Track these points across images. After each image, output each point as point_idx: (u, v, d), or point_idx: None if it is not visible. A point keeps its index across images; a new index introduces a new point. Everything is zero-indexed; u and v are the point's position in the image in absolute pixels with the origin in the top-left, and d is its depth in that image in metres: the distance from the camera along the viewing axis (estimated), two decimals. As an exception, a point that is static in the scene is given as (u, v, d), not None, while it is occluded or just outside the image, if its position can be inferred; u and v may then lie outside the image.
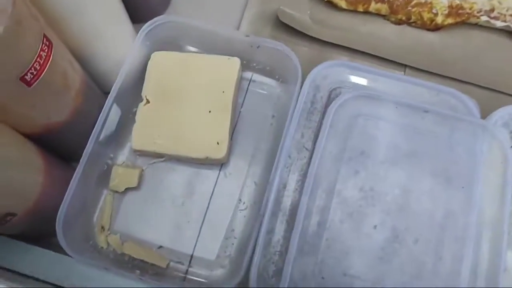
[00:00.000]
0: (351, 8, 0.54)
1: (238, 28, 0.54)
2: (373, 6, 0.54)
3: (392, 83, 0.46)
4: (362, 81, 0.47)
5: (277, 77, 0.50)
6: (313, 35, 0.53)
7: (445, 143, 0.44)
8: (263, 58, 0.49)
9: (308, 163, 0.44)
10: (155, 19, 0.48)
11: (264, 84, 0.51)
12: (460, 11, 0.53)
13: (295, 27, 0.53)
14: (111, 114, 0.44)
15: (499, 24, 0.52)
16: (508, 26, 0.52)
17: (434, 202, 0.43)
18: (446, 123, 0.44)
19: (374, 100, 0.45)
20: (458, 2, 0.53)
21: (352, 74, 0.47)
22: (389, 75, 0.47)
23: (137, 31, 0.48)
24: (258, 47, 0.48)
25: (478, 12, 0.53)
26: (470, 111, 0.45)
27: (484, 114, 0.47)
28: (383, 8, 0.54)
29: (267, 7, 0.55)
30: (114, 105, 0.45)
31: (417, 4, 0.53)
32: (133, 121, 0.46)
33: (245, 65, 0.50)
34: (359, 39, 0.53)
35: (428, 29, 0.54)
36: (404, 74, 0.52)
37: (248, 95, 0.50)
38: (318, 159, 0.42)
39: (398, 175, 0.43)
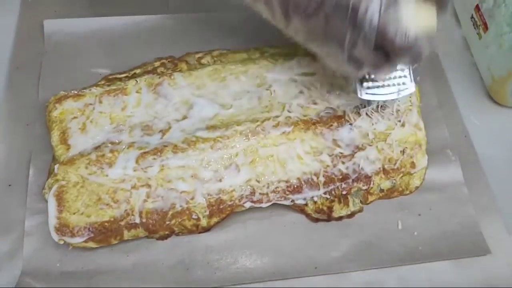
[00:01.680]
0: (103, 244, 0.46)
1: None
2: (127, 234, 0.46)
3: None
4: None
5: None
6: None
7: None
8: None
9: None
10: None
11: None
12: (221, 206, 0.47)
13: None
14: None
15: (265, 205, 0.48)
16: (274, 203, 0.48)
17: None
18: None
19: None
20: (215, 196, 0.47)
21: None
22: None
23: None
24: None
25: (239, 200, 0.47)
26: None
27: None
28: (140, 232, 0.47)
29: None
30: None
31: (174, 216, 0.47)
32: None
33: None
34: (124, 279, 0.45)
35: (200, 232, 0.48)
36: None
37: None
38: None
39: None
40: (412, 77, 0.47)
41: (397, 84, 0.47)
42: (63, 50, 0.58)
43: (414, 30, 0.38)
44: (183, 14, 0.62)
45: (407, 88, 0.47)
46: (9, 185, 0.50)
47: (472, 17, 0.61)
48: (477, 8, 0.59)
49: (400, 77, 0.47)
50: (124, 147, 0.49)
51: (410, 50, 0.39)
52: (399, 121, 0.51)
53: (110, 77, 0.56)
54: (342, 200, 0.49)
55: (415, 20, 0.38)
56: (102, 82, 0.56)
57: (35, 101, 0.55)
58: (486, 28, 0.57)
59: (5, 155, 0.52)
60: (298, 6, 0.39)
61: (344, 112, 0.51)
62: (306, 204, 0.48)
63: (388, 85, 0.47)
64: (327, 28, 0.39)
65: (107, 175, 0.48)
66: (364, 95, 0.47)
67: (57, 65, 0.58)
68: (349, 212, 0.49)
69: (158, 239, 0.47)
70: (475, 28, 0.60)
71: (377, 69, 0.41)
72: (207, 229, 0.47)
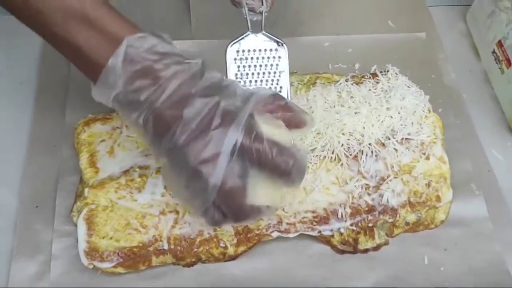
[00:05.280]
0: (131, 270, 0.46)
1: None
2: (155, 260, 0.46)
3: None
4: None
5: None
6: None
7: None
8: None
9: None
10: None
11: None
12: (249, 235, 0.47)
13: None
14: None
15: (292, 235, 0.48)
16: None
17: None
18: None
19: None
20: (243, 225, 0.47)
21: None
22: None
23: None
24: None
25: (267, 230, 0.48)
26: None
27: None
28: (167, 258, 0.47)
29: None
30: None
31: (202, 243, 0.47)
32: None
33: None
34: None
35: (226, 261, 0.48)
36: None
37: None
38: None
39: None
40: None
41: None
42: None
43: (254, 203, 0.38)
44: (205, 40, 0.63)
45: None
46: (36, 207, 0.50)
47: (493, 51, 0.62)
48: (500, 43, 0.60)
49: None
50: (152, 171, 0.49)
51: (247, 220, 0.39)
52: (424, 153, 0.52)
53: (136, 100, 0.57)
54: (367, 232, 0.49)
55: (258, 194, 0.38)
56: (128, 105, 0.56)
57: (62, 123, 0.55)
58: (509, 63, 0.58)
59: (32, 176, 0.52)
60: (152, 143, 0.38)
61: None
62: (332, 236, 0.49)
63: None
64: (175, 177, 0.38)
65: (136, 200, 0.48)
66: None
67: (83, 87, 0.58)
68: (374, 245, 0.49)
69: (184, 266, 0.47)
70: (497, 62, 0.61)
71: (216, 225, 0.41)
72: (233, 258, 0.48)
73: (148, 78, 0.36)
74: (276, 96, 0.41)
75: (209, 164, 0.36)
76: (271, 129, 0.38)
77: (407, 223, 0.50)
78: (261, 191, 0.38)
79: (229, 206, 0.38)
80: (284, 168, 0.38)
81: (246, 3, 0.49)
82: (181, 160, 0.36)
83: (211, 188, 0.36)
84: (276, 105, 0.40)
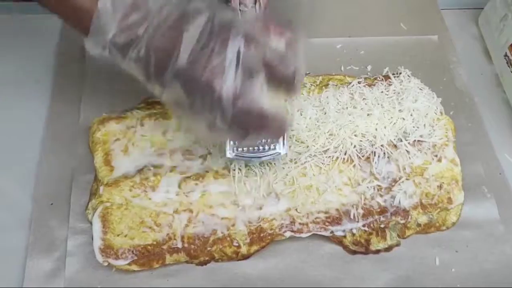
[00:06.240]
0: (145, 268, 0.47)
1: None
2: (169, 259, 0.47)
3: None
4: None
5: None
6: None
7: None
8: None
9: None
10: None
11: None
12: (262, 235, 0.48)
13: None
14: None
15: (305, 235, 0.48)
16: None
17: None
18: None
19: None
20: (256, 224, 0.48)
21: None
22: None
23: None
24: None
25: (280, 229, 0.48)
26: None
27: None
28: (181, 257, 0.47)
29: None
30: None
31: (215, 242, 0.47)
32: None
33: None
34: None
35: (239, 260, 0.48)
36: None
37: None
38: None
39: None
40: (284, 141, 0.47)
41: (268, 147, 0.47)
42: (104, 72, 0.59)
43: (269, 111, 0.38)
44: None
45: (277, 152, 0.47)
46: (51, 204, 0.51)
47: (506, 55, 0.62)
48: (512, 47, 0.60)
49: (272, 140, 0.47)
50: (166, 170, 0.50)
51: (267, 129, 0.40)
52: (436, 156, 0.52)
53: (150, 100, 0.57)
54: (379, 233, 0.49)
55: (269, 101, 0.38)
56: (142, 105, 0.57)
57: (77, 122, 0.56)
58: (521, 67, 0.59)
59: (47, 174, 0.53)
60: (157, 73, 0.38)
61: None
62: (344, 236, 0.49)
63: (258, 147, 0.47)
64: (187, 100, 0.38)
65: (150, 199, 0.48)
66: (231, 155, 0.47)
67: (98, 86, 0.59)
68: (386, 246, 0.49)
69: (197, 264, 0.48)
70: (509, 66, 0.61)
71: (238, 142, 0.43)
72: (246, 257, 0.48)
73: (140, 11, 0.37)
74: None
75: (218, 76, 0.36)
76: (269, 40, 0.38)
77: (418, 225, 0.50)
78: (266, 100, 0.39)
79: (247, 113, 0.37)
80: (287, 74, 0.38)
81: (240, 10, 0.49)
82: (190, 80, 0.37)
83: (226, 98, 0.36)
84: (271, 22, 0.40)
